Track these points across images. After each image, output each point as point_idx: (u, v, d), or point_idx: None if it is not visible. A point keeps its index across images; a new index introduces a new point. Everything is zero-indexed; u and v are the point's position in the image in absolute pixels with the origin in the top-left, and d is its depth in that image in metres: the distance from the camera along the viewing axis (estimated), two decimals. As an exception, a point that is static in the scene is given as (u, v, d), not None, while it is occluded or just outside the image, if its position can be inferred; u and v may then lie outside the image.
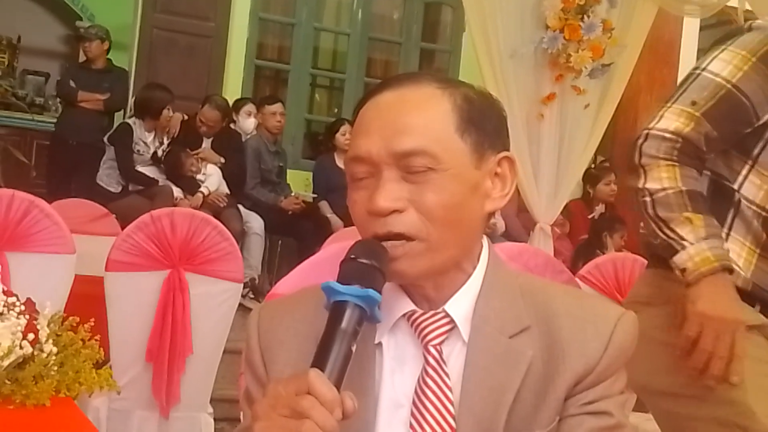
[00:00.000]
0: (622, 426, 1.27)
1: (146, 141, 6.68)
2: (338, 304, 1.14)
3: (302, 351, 1.26)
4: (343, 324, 1.12)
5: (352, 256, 1.19)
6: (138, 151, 6.62)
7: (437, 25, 9.59)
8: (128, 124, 6.71)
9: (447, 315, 1.28)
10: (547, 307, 1.29)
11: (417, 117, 1.25)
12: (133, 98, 7.08)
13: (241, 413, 1.44)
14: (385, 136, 1.24)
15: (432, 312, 1.29)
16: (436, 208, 1.23)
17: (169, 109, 6.78)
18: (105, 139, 6.64)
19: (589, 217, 7.05)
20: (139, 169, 6.64)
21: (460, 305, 1.29)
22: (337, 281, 1.16)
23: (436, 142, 1.23)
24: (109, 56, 7.48)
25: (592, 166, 7.09)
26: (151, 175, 6.66)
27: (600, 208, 7.15)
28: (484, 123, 1.29)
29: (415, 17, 9.13)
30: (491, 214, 1.33)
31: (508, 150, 1.33)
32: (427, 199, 1.22)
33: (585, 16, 4.31)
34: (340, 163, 7.22)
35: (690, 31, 7.84)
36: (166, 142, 6.85)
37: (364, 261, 1.18)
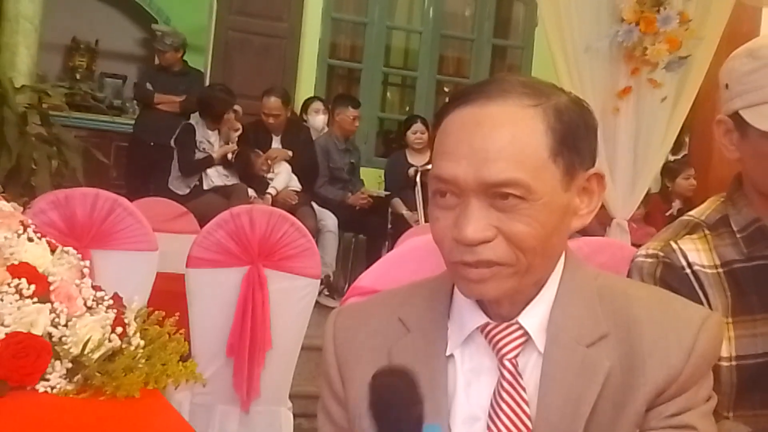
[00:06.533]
0: None
1: (209, 140, 6.64)
2: None
3: (376, 365, 1.22)
4: None
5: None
6: (204, 149, 6.58)
7: (509, 21, 9.54)
8: (190, 124, 6.64)
9: (521, 327, 1.25)
10: (626, 313, 1.25)
11: (508, 143, 1.18)
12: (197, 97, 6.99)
13: (318, 423, 1.41)
14: (473, 162, 1.18)
15: (506, 324, 1.26)
16: (526, 238, 1.19)
17: (231, 112, 6.74)
18: (171, 142, 6.61)
19: (667, 214, 6.92)
20: (209, 171, 6.58)
21: (534, 316, 1.26)
22: None
23: (529, 171, 1.17)
24: (184, 58, 7.60)
25: (671, 159, 6.94)
26: (226, 178, 6.63)
27: (677, 204, 7.02)
28: (577, 142, 1.23)
29: (487, 14, 9.10)
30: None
31: (594, 160, 1.27)
32: (518, 230, 1.18)
33: (661, 8, 4.24)
34: (412, 160, 7.24)
35: (769, 23, 7.65)
36: (234, 140, 6.86)
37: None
